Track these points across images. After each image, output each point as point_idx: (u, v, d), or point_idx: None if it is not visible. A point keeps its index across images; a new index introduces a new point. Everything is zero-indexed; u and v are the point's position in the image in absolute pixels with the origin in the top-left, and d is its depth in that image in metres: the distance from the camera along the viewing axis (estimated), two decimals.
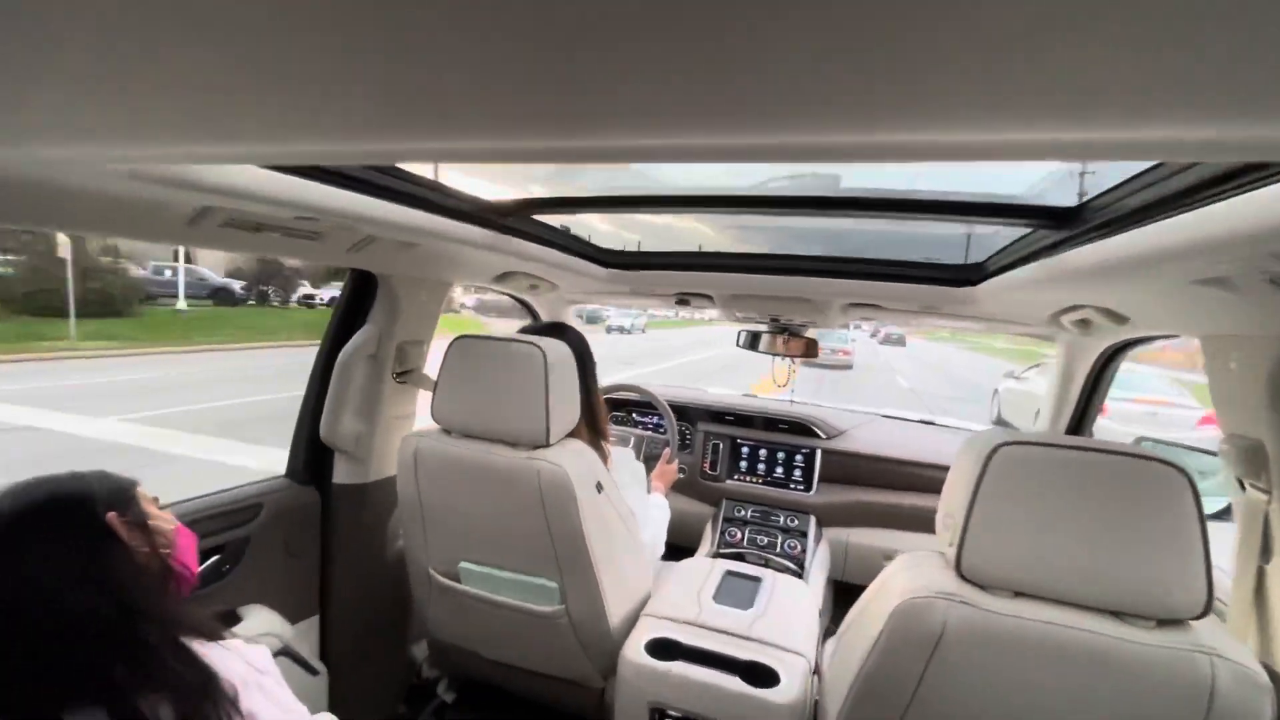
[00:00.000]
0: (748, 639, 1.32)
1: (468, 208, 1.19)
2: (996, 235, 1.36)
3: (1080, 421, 1.87)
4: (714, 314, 2.06)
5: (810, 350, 2.09)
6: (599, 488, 1.33)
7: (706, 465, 2.35)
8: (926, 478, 2.14)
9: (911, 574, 0.99)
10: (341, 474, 1.54)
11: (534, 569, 1.36)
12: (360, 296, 1.47)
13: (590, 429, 1.51)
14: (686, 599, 1.47)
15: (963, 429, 2.51)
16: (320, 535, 1.54)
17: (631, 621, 1.41)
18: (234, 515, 1.32)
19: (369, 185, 0.96)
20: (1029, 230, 1.11)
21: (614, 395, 2.52)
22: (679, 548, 2.32)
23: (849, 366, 17.77)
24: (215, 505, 1.29)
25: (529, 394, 1.24)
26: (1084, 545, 0.83)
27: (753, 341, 2.16)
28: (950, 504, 0.97)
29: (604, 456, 1.50)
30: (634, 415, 2.60)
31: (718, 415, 2.42)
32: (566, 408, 1.30)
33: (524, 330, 1.59)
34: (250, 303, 17.44)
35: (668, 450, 2.07)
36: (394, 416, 1.58)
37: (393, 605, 1.71)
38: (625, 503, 1.44)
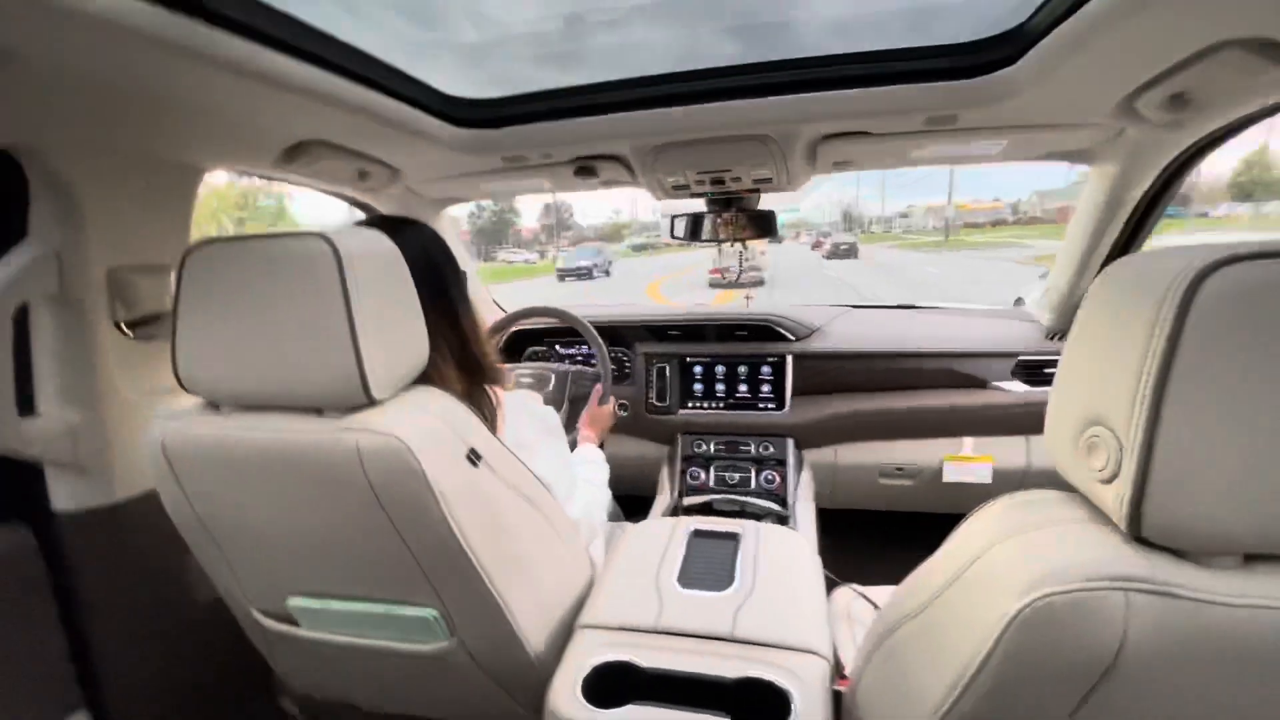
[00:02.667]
0: (734, 640, 0.87)
1: None
2: None
3: (1123, 254, 1.45)
4: (638, 191, 1.50)
5: (766, 226, 1.58)
6: (473, 458, 0.80)
7: (652, 396, 1.86)
8: (919, 371, 1.73)
9: (1032, 541, 0.53)
10: (65, 496, 0.95)
11: (398, 594, 0.86)
12: None
13: (464, 369, 0.97)
14: (641, 588, 0.99)
15: (955, 308, 2.08)
16: (54, 593, 0.97)
17: (563, 637, 0.94)
18: None
19: None
20: None
21: (524, 325, 1.97)
22: (635, 498, 1.86)
23: (761, 283, 16.29)
24: None
25: (321, 323, 0.68)
26: None
27: (690, 229, 1.64)
28: (1095, 401, 0.50)
29: (490, 407, 0.97)
30: (558, 348, 2.07)
31: (658, 331, 1.91)
32: (399, 339, 0.76)
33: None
34: None
35: (598, 386, 1.56)
36: (140, 392, 0.99)
37: (234, 653, 1.18)
38: (528, 471, 0.93)
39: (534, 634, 0.89)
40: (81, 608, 0.99)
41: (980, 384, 1.68)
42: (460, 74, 1.15)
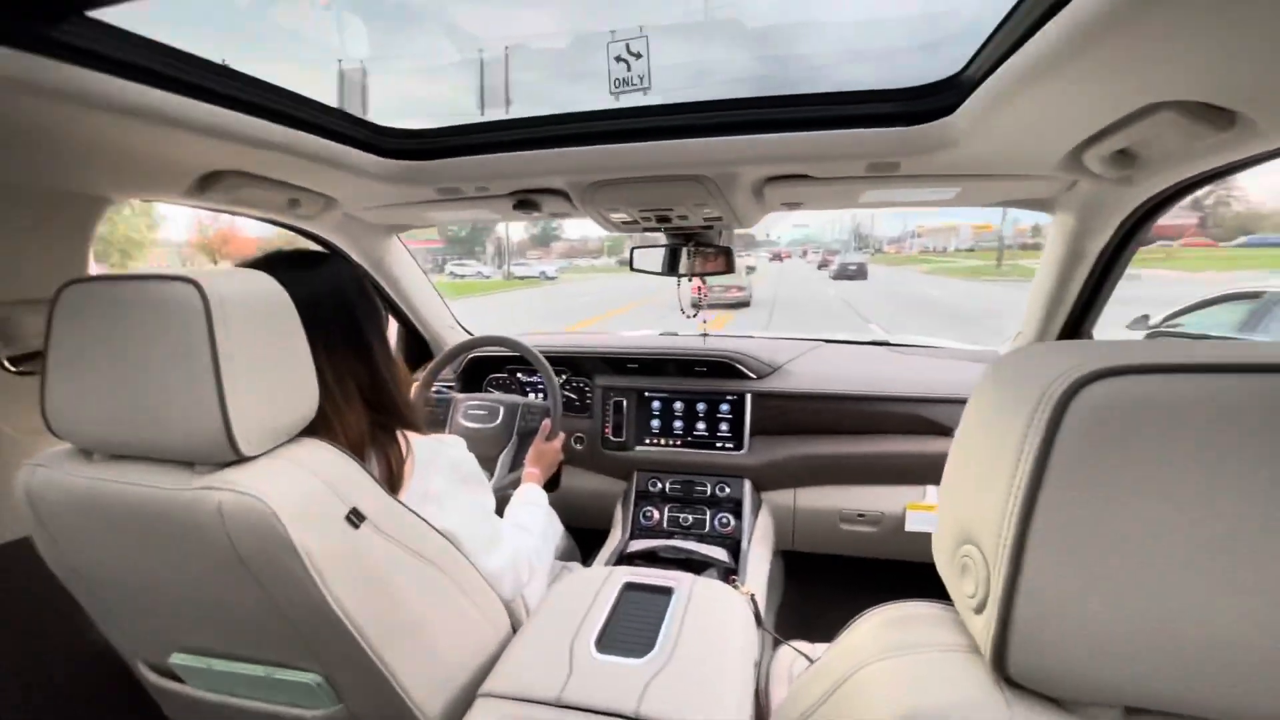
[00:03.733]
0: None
1: None
2: (985, 10, 0.80)
3: (1080, 320, 1.39)
4: (582, 222, 1.46)
5: (724, 263, 1.54)
6: (355, 518, 0.75)
7: (609, 430, 1.80)
8: (885, 415, 1.66)
9: (903, 667, 0.47)
10: None
11: (279, 657, 0.81)
12: None
13: (375, 410, 0.92)
14: (554, 652, 0.93)
15: (933, 347, 2.02)
16: None
17: (464, 705, 0.88)
18: None
19: None
20: None
21: (483, 352, 1.92)
22: (593, 532, 1.80)
23: (746, 304, 15.34)
24: None
25: (185, 370, 0.64)
26: None
27: (653, 262, 1.59)
28: (968, 517, 0.45)
29: (397, 454, 0.91)
30: (519, 375, 2.02)
31: (617, 364, 1.86)
32: (278, 389, 0.71)
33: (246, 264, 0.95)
34: None
35: (547, 422, 1.50)
36: (22, 432, 0.94)
37: (129, 705, 1.12)
38: (428, 527, 0.87)
39: (428, 702, 0.83)
40: None
41: (945, 431, 1.62)
42: (395, 104, 1.11)
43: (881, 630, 0.51)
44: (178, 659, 0.85)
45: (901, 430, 1.65)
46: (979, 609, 0.41)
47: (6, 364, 0.91)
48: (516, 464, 1.54)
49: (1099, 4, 0.54)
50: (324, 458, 0.74)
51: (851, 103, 0.94)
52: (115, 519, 0.71)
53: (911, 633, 0.49)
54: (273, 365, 0.70)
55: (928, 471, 1.62)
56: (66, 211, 0.94)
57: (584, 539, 1.72)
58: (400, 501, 0.83)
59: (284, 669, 0.81)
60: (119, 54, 0.69)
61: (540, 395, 1.95)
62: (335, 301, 0.89)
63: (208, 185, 1.03)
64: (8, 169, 0.84)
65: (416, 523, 0.84)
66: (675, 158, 1.03)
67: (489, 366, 2.01)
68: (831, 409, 1.68)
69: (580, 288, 27.45)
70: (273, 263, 0.87)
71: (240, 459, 0.67)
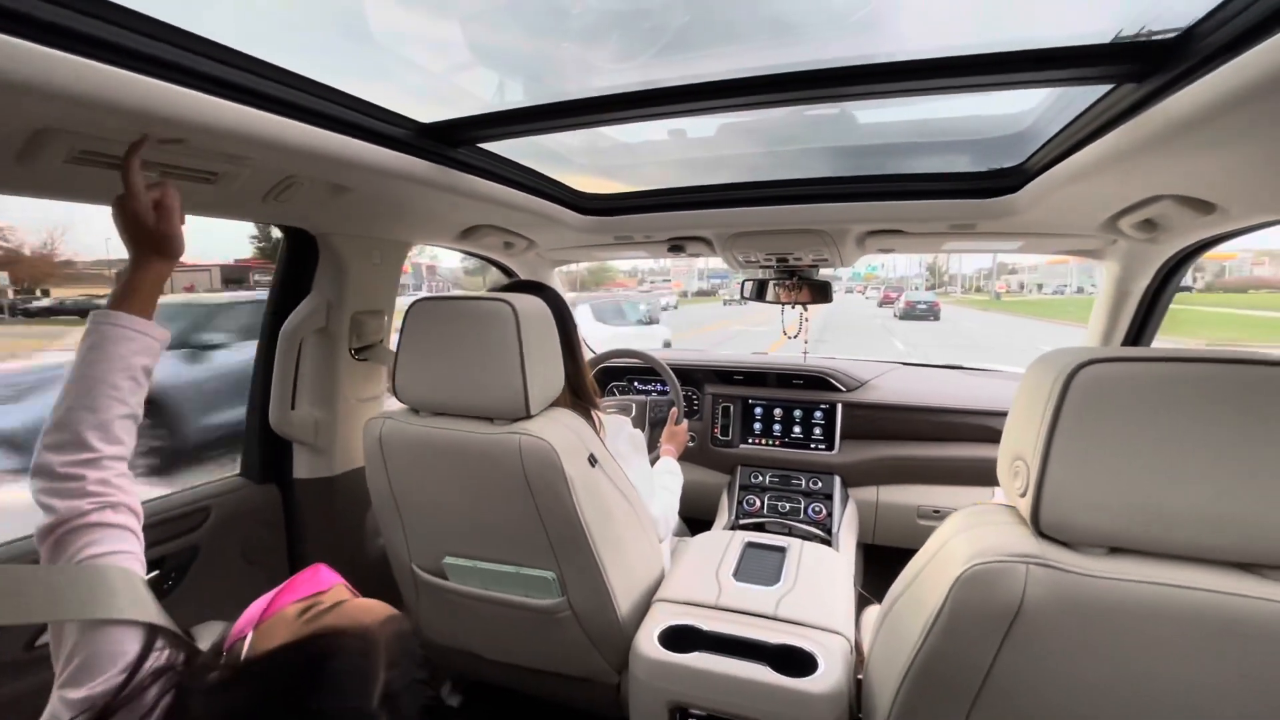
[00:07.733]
0: (776, 619, 1.15)
1: (403, 134, 0.98)
2: (1036, 124, 1.13)
3: (1135, 344, 1.65)
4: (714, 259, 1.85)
5: (824, 295, 1.88)
6: (592, 460, 1.14)
7: (717, 430, 2.16)
8: (960, 425, 1.95)
9: (975, 534, 0.79)
10: (303, 468, 1.36)
11: (527, 559, 1.18)
12: (299, 261, 1.27)
13: (576, 396, 1.32)
14: (704, 578, 1.29)
15: (999, 371, 2.29)
16: (286, 538, 1.37)
17: (643, 609, 1.24)
18: (176, 523, 1.15)
19: (271, 101, 0.75)
20: (1099, 95, 0.88)
21: (611, 362, 2.33)
22: (695, 520, 2.15)
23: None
24: (151, 513, 1.11)
25: (502, 358, 1.05)
26: (1206, 485, 0.64)
27: (758, 291, 1.96)
28: (1018, 444, 0.77)
29: (597, 425, 1.31)
30: (635, 384, 2.41)
31: (725, 375, 2.22)
32: (548, 372, 1.11)
33: (493, 290, 1.39)
34: None
35: (674, 411, 1.88)
36: (358, 399, 1.39)
37: (384, 597, 1.55)
38: (625, 475, 1.25)
39: (623, 600, 1.19)
40: (298, 550, 1.39)
41: None
42: (587, 176, 1.53)
43: (964, 518, 0.84)
44: (449, 560, 1.25)
45: (973, 439, 1.93)
46: (1023, 494, 0.74)
47: (353, 352, 1.36)
48: (651, 447, 1.92)
49: (1133, 134, 0.82)
50: (570, 418, 1.14)
51: (937, 180, 1.29)
52: (436, 455, 1.12)
53: (983, 519, 0.82)
54: (545, 355, 1.10)
55: (995, 475, 1.88)
56: (389, 252, 1.40)
57: (688, 524, 2.07)
58: (610, 453, 1.21)
59: (528, 568, 1.18)
60: (476, 161, 1.13)
61: (655, 397, 2.33)
62: (557, 315, 1.30)
63: (466, 235, 1.48)
64: (367, 224, 1.30)
65: (619, 470, 1.22)
66: (801, 218, 1.40)
67: (612, 376, 2.41)
68: (912, 419, 1.98)
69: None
70: (518, 288, 1.29)
71: (527, 416, 1.06)
